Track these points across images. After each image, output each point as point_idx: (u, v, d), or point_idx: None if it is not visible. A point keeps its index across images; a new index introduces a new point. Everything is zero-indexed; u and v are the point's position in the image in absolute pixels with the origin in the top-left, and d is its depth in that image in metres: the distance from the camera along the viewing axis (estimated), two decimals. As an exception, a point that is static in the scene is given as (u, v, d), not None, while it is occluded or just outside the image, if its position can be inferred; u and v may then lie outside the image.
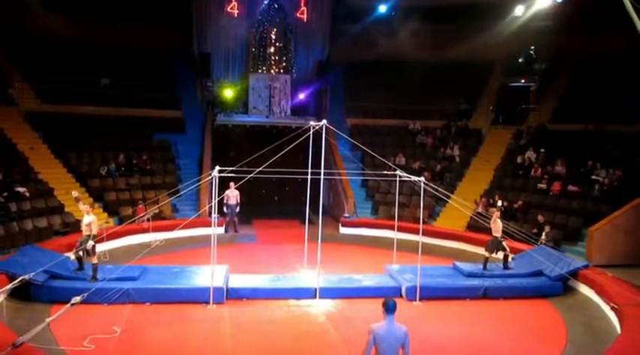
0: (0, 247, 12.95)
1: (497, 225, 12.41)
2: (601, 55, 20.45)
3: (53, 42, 20.72)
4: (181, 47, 23.03)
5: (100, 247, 13.59)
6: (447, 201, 16.51)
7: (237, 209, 17.23)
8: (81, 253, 10.90)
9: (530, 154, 19.17)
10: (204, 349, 8.53)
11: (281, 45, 22.98)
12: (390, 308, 5.63)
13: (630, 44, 16.89)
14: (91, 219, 10.89)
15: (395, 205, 14.27)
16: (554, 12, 20.68)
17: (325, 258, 12.09)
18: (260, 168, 11.08)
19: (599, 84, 20.52)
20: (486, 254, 12.52)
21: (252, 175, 11.06)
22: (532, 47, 22.65)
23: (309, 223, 13.22)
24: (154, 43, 22.26)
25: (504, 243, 12.48)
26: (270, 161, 11.54)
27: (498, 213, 12.61)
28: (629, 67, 18.68)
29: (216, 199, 11.13)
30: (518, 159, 19.54)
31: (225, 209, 16.95)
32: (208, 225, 13.83)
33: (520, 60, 23.15)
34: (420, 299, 11.01)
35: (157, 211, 15.99)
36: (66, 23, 20.83)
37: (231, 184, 16.13)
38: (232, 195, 16.82)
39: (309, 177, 12.32)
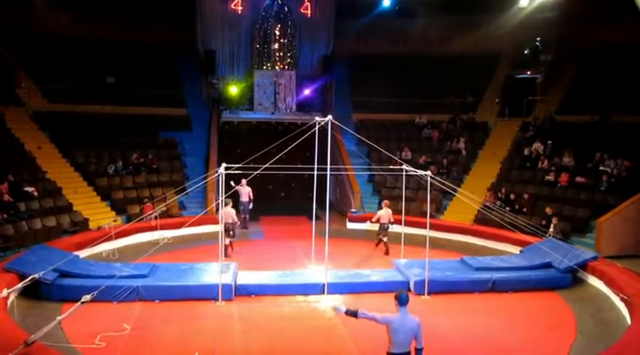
0: (10, 246, 13.04)
1: (383, 216, 14.51)
2: (608, 44, 20.28)
3: (58, 41, 20.81)
4: (186, 44, 23.03)
5: (109, 245, 13.77)
6: (454, 195, 16.47)
7: (251, 205, 17.22)
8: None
9: (538, 146, 19.06)
10: (214, 345, 8.57)
11: (285, 41, 22.94)
12: (403, 301, 5.89)
13: (638, 32, 16.76)
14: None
15: (402, 200, 14.27)
16: (559, 2, 20.51)
17: (333, 253, 12.11)
18: (266, 165, 11.09)
19: (607, 74, 20.35)
20: (385, 239, 14.53)
21: (258, 172, 11.07)
22: (538, 38, 22.47)
23: (316, 219, 13.25)
24: (158, 40, 22.33)
25: (385, 233, 14.58)
26: (277, 157, 11.55)
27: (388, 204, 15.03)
28: (637, 55, 18.53)
29: (223, 196, 11.15)
30: (525, 152, 19.43)
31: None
32: (216, 222, 13.87)
33: (526, 51, 22.98)
34: (429, 294, 11.02)
35: (164, 209, 16.06)
36: (71, 21, 20.99)
37: (243, 181, 15.98)
38: (244, 191, 16.74)
39: (315, 172, 12.33)
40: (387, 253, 14.40)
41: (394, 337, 5.82)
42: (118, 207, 17.09)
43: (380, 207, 15.66)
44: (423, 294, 11.01)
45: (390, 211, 14.91)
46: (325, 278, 11.05)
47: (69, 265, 10.69)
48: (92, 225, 15.51)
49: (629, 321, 9.26)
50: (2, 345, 7.28)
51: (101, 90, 21.14)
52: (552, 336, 9.13)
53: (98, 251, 13.54)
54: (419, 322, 5.88)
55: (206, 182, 16.18)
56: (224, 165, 10.93)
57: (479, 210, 16.59)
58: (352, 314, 6.10)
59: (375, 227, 17.61)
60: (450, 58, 22.66)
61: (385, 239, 14.62)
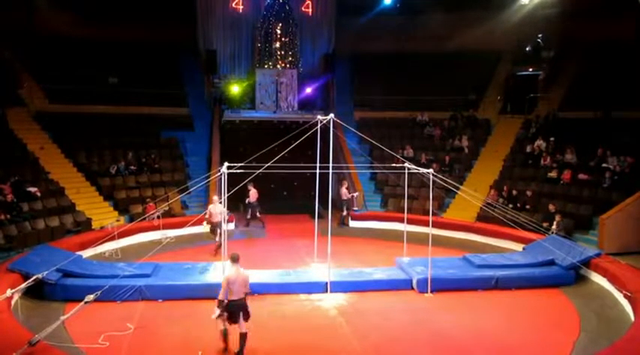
0: (13, 247, 13.06)
1: (344, 193, 17.82)
2: (610, 40, 20.21)
3: (61, 41, 20.83)
4: (187, 44, 23.05)
5: (112, 245, 13.80)
6: (457, 193, 16.45)
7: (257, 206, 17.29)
8: None
9: (540, 143, 19.02)
10: (218, 344, 8.57)
11: (287, 39, 22.92)
12: (234, 259, 8.01)
13: (639, 29, 16.71)
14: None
15: (404, 197, 14.25)
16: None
17: (335, 251, 12.11)
18: (269, 164, 11.08)
19: (609, 70, 20.27)
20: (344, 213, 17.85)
21: (260, 171, 11.07)
22: (540, 35, 22.42)
23: (318, 217, 13.25)
24: (160, 40, 22.30)
25: (347, 207, 17.90)
26: (279, 156, 11.53)
27: (346, 185, 18.28)
28: (638, 51, 18.44)
29: (226, 196, 11.16)
30: (528, 149, 19.39)
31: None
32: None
33: (528, 48, 22.93)
34: (432, 291, 11.02)
35: (166, 208, 16.07)
36: (73, 22, 20.99)
37: (215, 198, 14.35)
38: (216, 211, 13.73)
39: (317, 171, 12.33)
40: (341, 223, 17.73)
41: (231, 287, 7.77)
42: (121, 207, 17.10)
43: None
44: (426, 292, 11.01)
45: (343, 190, 18.02)
46: (328, 277, 11.05)
47: (72, 265, 10.72)
48: (95, 224, 15.52)
49: (632, 318, 9.27)
50: (6, 345, 7.32)
51: (103, 91, 21.16)
52: (556, 333, 9.13)
53: (101, 251, 13.59)
54: (248, 275, 7.99)
55: (208, 181, 16.18)
56: (226, 164, 10.93)
57: (481, 208, 16.57)
58: (220, 304, 8.01)
59: (380, 225, 17.86)
60: (451, 56, 22.63)
61: (345, 213, 17.82)
